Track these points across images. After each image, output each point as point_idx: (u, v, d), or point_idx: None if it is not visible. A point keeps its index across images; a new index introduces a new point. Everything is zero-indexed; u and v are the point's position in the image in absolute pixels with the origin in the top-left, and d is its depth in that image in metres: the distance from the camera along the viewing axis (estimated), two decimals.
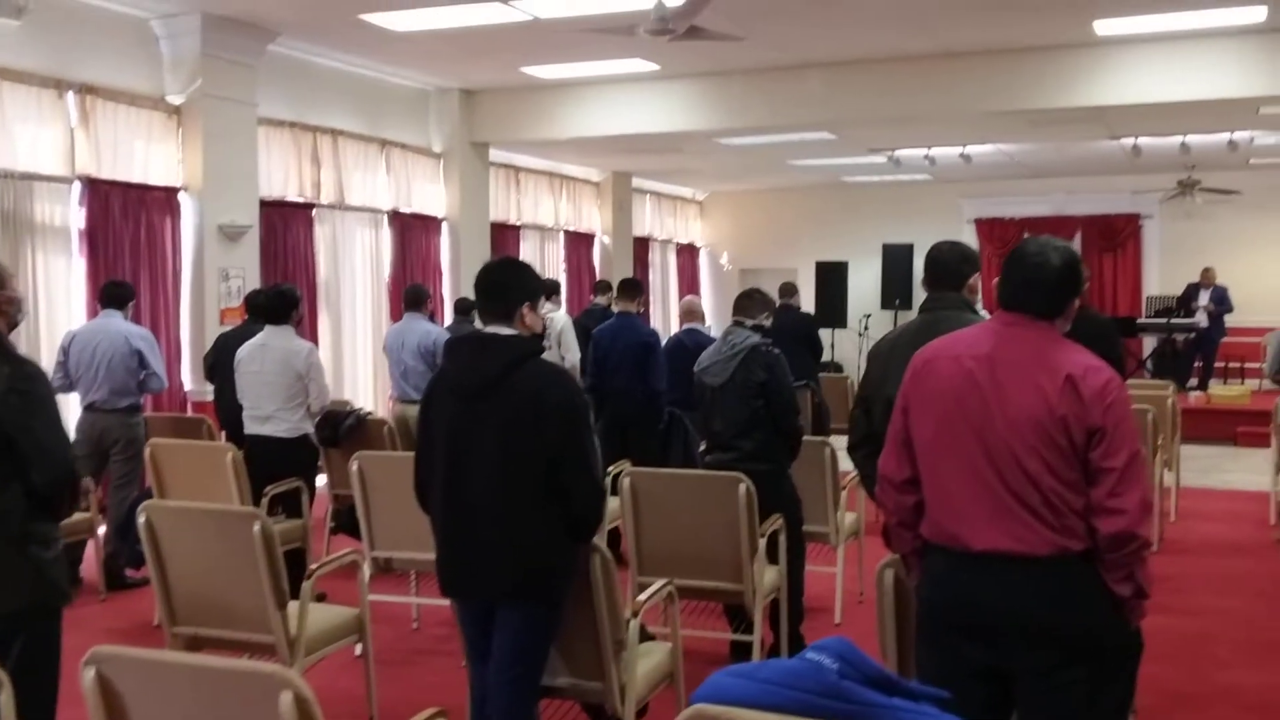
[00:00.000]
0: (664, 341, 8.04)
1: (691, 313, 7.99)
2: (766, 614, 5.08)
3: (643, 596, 3.82)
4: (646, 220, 17.29)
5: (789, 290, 10.27)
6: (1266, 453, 9.46)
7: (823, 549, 6.12)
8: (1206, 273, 14.94)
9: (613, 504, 5.70)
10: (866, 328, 16.62)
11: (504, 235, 13.20)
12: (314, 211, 10.13)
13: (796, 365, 9.40)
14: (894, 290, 16.74)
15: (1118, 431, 2.60)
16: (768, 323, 5.50)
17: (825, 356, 14.38)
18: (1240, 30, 8.93)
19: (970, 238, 16.85)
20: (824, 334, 10.27)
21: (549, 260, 14.43)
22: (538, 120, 11.52)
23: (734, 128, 11.35)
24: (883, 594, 3.16)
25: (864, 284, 17.35)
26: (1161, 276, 16.57)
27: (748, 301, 5.52)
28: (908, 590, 3.04)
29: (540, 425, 3.29)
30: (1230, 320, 14.84)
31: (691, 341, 7.18)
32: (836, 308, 16.74)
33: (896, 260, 16.83)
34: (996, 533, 2.65)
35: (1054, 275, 2.72)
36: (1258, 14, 8.50)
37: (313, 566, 4.29)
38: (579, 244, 15.23)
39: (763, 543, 4.81)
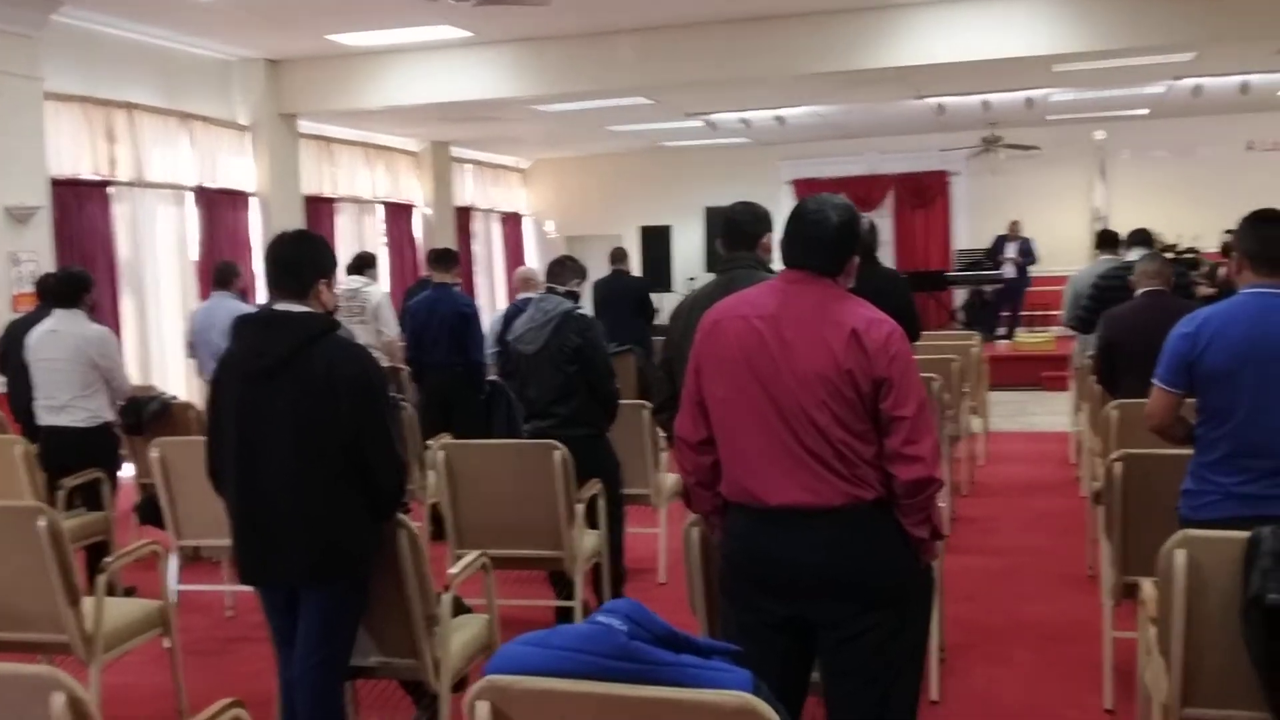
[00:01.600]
0: (503, 312, 7.98)
1: (528, 282, 7.92)
2: (589, 579, 5.10)
3: (455, 569, 3.77)
4: (468, 190, 17.04)
5: (620, 256, 10.32)
6: (1069, 395, 9.95)
7: (645, 510, 6.17)
8: (1013, 225, 15.63)
9: (434, 478, 5.63)
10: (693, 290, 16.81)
11: (318, 209, 12.84)
12: (111, 189, 9.64)
13: (630, 330, 9.53)
14: (718, 252, 16.95)
15: (904, 381, 2.66)
16: (580, 288, 5.50)
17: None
18: None
19: (789, 198, 17.17)
20: (650, 297, 10.32)
21: (367, 233, 14.10)
22: (348, 90, 11.21)
23: (550, 94, 11.26)
24: (690, 552, 3.20)
25: (688, 247, 17.55)
26: (970, 230, 17.22)
27: (559, 268, 5.51)
28: (714, 547, 3.08)
29: (335, 404, 3.20)
30: (1035, 270, 15.56)
31: None
32: (661, 271, 16.89)
33: (719, 222, 16.97)
34: (791, 487, 2.69)
35: (832, 232, 2.76)
36: None
37: (107, 559, 4.10)
38: (398, 216, 14.92)
39: (581, 508, 4.82)
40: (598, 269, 9.68)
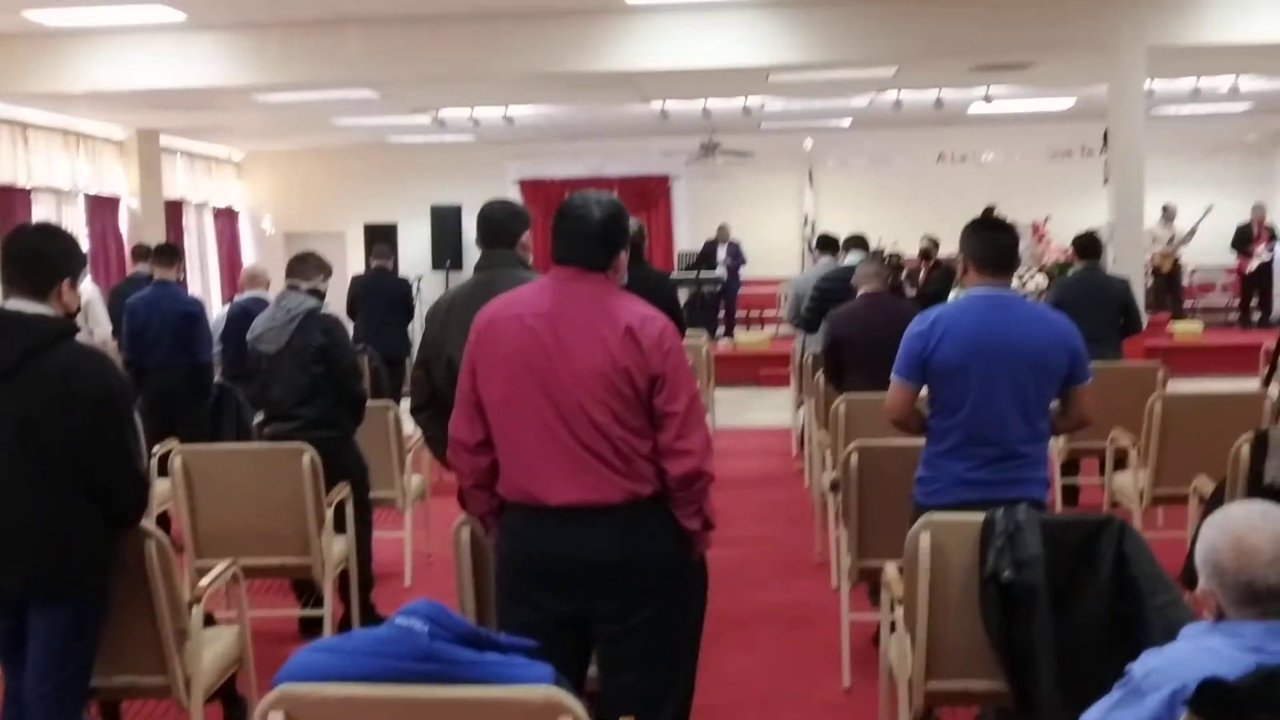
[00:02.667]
0: (224, 311, 7.63)
1: (255, 279, 7.57)
2: (336, 585, 4.97)
3: (205, 581, 3.60)
4: (179, 182, 16.13)
5: (384, 253, 10.08)
6: (787, 391, 10.46)
7: (389, 513, 6.06)
8: (721, 229, 16.23)
9: (162, 485, 5.34)
10: (419, 289, 16.58)
11: (11, 199, 11.86)
12: None
13: (390, 329, 9.32)
14: (445, 251, 16.82)
15: (677, 377, 2.74)
16: (325, 286, 5.33)
17: None
18: (737, 4, 9.65)
19: (515, 198, 17.15)
20: (413, 297, 10.10)
21: (67, 227, 13.10)
22: (45, 71, 10.36)
23: (271, 83, 10.83)
24: (460, 552, 3.18)
25: (414, 245, 17.27)
26: (690, 233, 17.76)
27: (302, 265, 5.31)
28: (485, 547, 3.07)
29: (70, 415, 2.97)
30: (748, 272, 16.23)
31: (257, 309, 6.80)
32: None
33: (446, 221, 16.91)
34: (571, 486, 2.72)
35: (596, 227, 2.81)
36: None
37: None
38: (102, 209, 13.96)
39: (330, 513, 4.69)
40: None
